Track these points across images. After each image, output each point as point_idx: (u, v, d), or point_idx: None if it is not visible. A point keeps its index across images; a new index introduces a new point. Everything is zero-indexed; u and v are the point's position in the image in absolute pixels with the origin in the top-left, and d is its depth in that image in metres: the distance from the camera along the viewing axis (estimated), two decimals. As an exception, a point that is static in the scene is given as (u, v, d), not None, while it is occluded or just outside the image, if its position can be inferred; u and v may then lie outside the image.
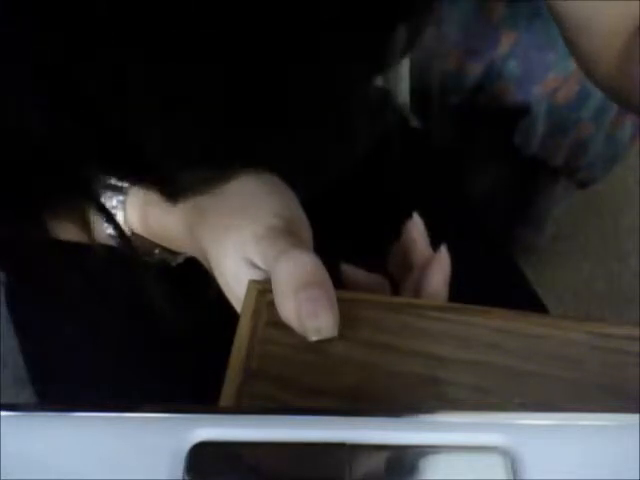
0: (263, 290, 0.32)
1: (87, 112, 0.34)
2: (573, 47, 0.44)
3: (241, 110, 0.44)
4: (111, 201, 0.39)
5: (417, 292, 0.36)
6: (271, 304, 0.31)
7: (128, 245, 0.39)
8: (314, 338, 0.29)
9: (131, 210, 0.39)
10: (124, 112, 0.35)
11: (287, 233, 0.33)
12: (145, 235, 0.40)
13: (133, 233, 0.40)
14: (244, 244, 0.34)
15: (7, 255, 0.43)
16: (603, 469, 0.21)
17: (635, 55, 0.40)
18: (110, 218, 0.38)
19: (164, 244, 0.41)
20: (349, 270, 0.38)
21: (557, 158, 0.89)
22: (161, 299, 0.40)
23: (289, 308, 0.29)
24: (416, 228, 0.38)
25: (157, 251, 0.41)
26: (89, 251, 0.44)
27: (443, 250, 0.36)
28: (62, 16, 0.30)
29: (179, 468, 0.20)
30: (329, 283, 0.30)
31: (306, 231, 0.36)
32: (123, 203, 0.39)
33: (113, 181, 0.39)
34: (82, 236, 0.40)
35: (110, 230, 0.40)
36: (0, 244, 0.39)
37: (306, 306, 0.29)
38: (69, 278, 0.51)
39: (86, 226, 0.38)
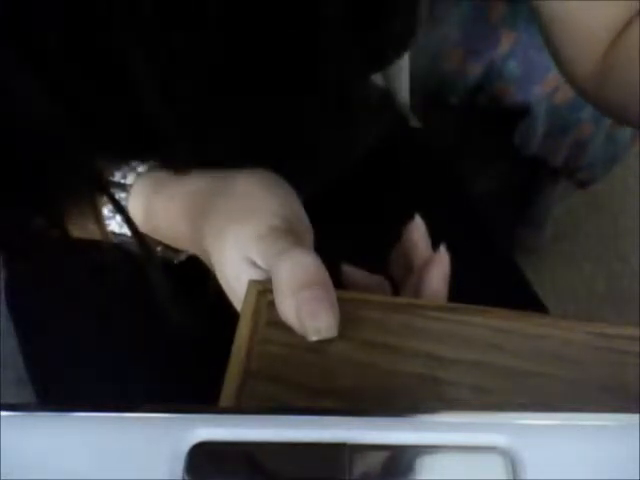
0: (263, 290, 0.32)
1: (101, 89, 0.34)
2: (555, 49, 0.44)
3: (241, 110, 0.44)
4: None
5: (417, 292, 0.36)
6: (271, 304, 0.31)
7: (137, 238, 0.39)
8: (314, 338, 0.29)
9: (134, 207, 0.39)
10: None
11: (288, 233, 0.33)
12: (147, 233, 0.40)
13: (135, 231, 0.40)
14: (245, 243, 0.34)
15: (15, 248, 0.44)
16: (603, 469, 0.21)
17: (613, 60, 0.40)
18: (119, 208, 0.38)
19: (166, 242, 0.41)
20: (350, 271, 0.38)
21: (557, 158, 0.89)
22: (169, 297, 0.40)
23: (289, 308, 0.29)
24: (417, 230, 0.38)
25: (159, 249, 0.41)
26: (92, 250, 0.44)
27: (442, 250, 0.36)
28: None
29: (179, 468, 0.20)
30: (329, 283, 0.30)
31: (307, 231, 0.36)
32: (125, 201, 0.39)
33: (116, 178, 0.39)
34: (90, 232, 0.40)
35: (113, 227, 0.40)
36: (10, 237, 0.40)
37: (306, 306, 0.29)
38: (73, 276, 0.51)
39: (94, 220, 0.39)
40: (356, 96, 0.48)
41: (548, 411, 0.23)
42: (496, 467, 0.21)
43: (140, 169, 0.39)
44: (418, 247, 0.37)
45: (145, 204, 0.39)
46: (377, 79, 0.66)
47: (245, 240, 0.34)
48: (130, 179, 0.39)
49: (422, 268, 0.36)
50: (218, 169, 0.38)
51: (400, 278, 0.39)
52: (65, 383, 0.49)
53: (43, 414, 0.22)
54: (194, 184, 0.38)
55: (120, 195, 0.39)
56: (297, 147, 0.49)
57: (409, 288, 0.37)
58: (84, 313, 0.50)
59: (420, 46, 0.77)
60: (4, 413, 0.21)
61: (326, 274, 0.30)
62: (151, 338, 0.48)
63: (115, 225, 0.40)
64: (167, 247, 0.42)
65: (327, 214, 0.47)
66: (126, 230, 0.40)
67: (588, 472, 0.21)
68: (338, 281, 0.36)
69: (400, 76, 0.67)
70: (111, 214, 0.40)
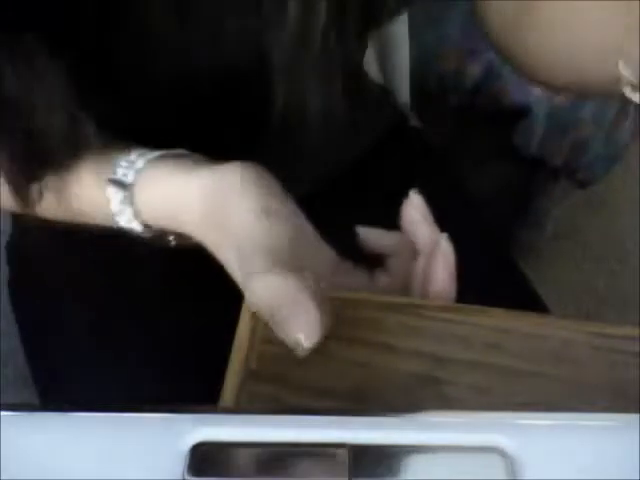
0: None
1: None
2: None
3: (240, 104, 0.44)
4: (117, 196, 0.39)
5: (424, 293, 0.35)
6: None
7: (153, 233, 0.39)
8: (299, 351, 0.30)
9: (143, 200, 0.39)
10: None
11: (263, 235, 0.33)
12: (157, 224, 0.40)
13: (146, 225, 0.39)
14: (230, 244, 0.34)
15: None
16: (603, 469, 0.21)
17: (525, 24, 0.40)
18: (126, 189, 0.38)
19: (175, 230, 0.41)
20: (365, 232, 0.38)
21: (557, 158, 0.89)
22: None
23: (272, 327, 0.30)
24: (414, 208, 0.37)
25: (171, 238, 0.41)
26: (92, 249, 0.44)
27: (444, 243, 0.35)
28: None
29: (179, 468, 0.20)
30: (300, 296, 0.30)
31: (289, 219, 0.35)
32: (130, 198, 0.38)
33: (118, 176, 0.38)
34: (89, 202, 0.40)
35: (123, 223, 0.39)
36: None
37: (279, 327, 0.30)
38: (74, 275, 0.51)
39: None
40: (356, 94, 0.48)
41: (548, 411, 0.23)
42: (496, 467, 0.21)
43: (139, 164, 0.38)
44: (418, 228, 0.36)
45: (149, 198, 0.39)
46: (377, 78, 0.66)
47: (228, 241, 0.34)
48: (131, 177, 0.39)
49: (427, 264, 0.35)
50: (213, 160, 0.38)
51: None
52: (67, 382, 0.49)
53: (43, 414, 0.22)
54: (190, 179, 0.38)
55: (125, 194, 0.39)
56: (297, 145, 0.49)
57: (417, 276, 0.36)
58: (86, 313, 0.50)
59: (420, 46, 0.77)
60: (4, 413, 0.21)
61: (295, 287, 0.30)
62: (151, 338, 0.48)
63: (124, 221, 0.39)
64: (178, 236, 0.41)
65: (326, 213, 0.47)
66: (136, 225, 0.39)
67: (588, 472, 0.21)
68: (351, 256, 0.37)
69: (400, 76, 0.67)
70: (119, 208, 0.39)
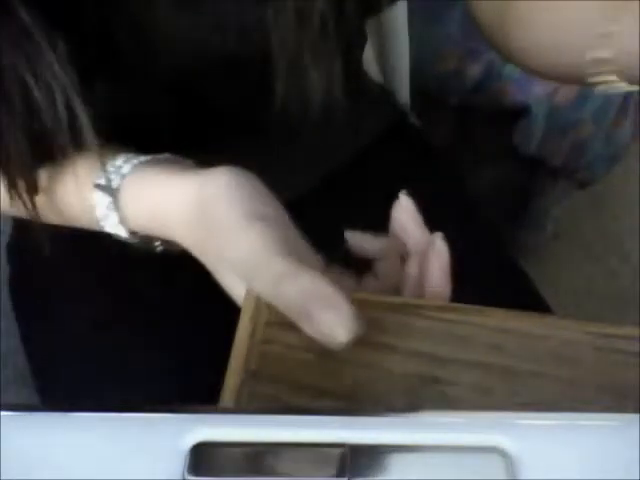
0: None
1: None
2: None
3: (240, 100, 0.44)
4: (103, 201, 0.39)
5: (419, 293, 0.35)
6: (270, 305, 0.31)
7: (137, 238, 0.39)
8: (337, 345, 0.29)
9: (128, 206, 0.38)
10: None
11: (260, 239, 0.33)
12: (143, 230, 0.40)
13: (132, 232, 0.39)
14: (218, 250, 0.34)
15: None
16: (603, 469, 0.21)
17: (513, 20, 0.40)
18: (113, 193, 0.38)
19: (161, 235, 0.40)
20: (354, 236, 0.38)
21: (556, 158, 0.89)
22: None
23: (307, 328, 0.30)
24: (404, 211, 0.36)
25: (158, 243, 0.41)
26: (92, 248, 0.44)
27: (438, 243, 0.34)
28: None
29: (179, 468, 0.20)
30: (330, 290, 0.29)
31: (278, 223, 0.35)
32: (116, 203, 0.38)
33: (104, 182, 0.38)
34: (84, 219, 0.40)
35: (108, 228, 0.39)
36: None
37: (313, 324, 0.29)
38: (75, 274, 0.51)
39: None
40: (356, 93, 0.48)
41: (548, 411, 0.23)
42: (496, 467, 0.21)
43: (125, 169, 0.38)
44: (408, 231, 0.36)
45: (134, 204, 0.39)
46: (377, 78, 0.66)
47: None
48: (117, 182, 0.38)
49: (420, 256, 0.35)
50: (201, 165, 0.38)
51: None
52: (67, 382, 0.49)
53: (43, 414, 0.22)
54: (174, 185, 0.37)
55: (110, 199, 0.38)
56: (297, 144, 0.49)
57: (409, 277, 0.36)
58: (86, 313, 0.50)
59: (420, 46, 0.77)
60: (4, 413, 0.21)
61: (324, 282, 0.30)
62: (151, 338, 0.48)
63: (110, 226, 0.40)
64: (165, 242, 0.41)
65: (324, 211, 0.47)
66: (121, 231, 0.39)
67: (588, 472, 0.21)
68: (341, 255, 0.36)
69: (400, 76, 0.67)
70: (105, 213, 0.39)
